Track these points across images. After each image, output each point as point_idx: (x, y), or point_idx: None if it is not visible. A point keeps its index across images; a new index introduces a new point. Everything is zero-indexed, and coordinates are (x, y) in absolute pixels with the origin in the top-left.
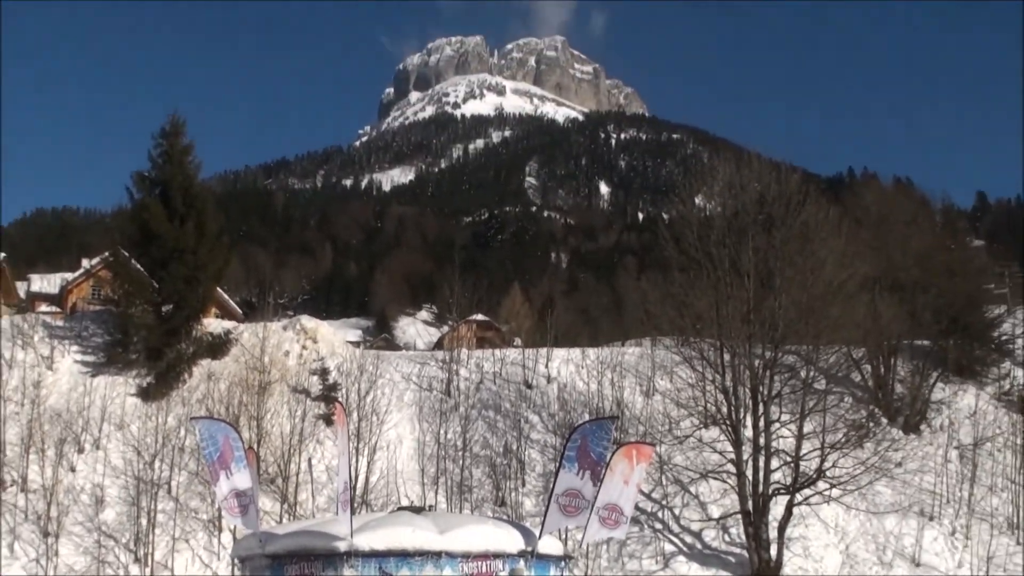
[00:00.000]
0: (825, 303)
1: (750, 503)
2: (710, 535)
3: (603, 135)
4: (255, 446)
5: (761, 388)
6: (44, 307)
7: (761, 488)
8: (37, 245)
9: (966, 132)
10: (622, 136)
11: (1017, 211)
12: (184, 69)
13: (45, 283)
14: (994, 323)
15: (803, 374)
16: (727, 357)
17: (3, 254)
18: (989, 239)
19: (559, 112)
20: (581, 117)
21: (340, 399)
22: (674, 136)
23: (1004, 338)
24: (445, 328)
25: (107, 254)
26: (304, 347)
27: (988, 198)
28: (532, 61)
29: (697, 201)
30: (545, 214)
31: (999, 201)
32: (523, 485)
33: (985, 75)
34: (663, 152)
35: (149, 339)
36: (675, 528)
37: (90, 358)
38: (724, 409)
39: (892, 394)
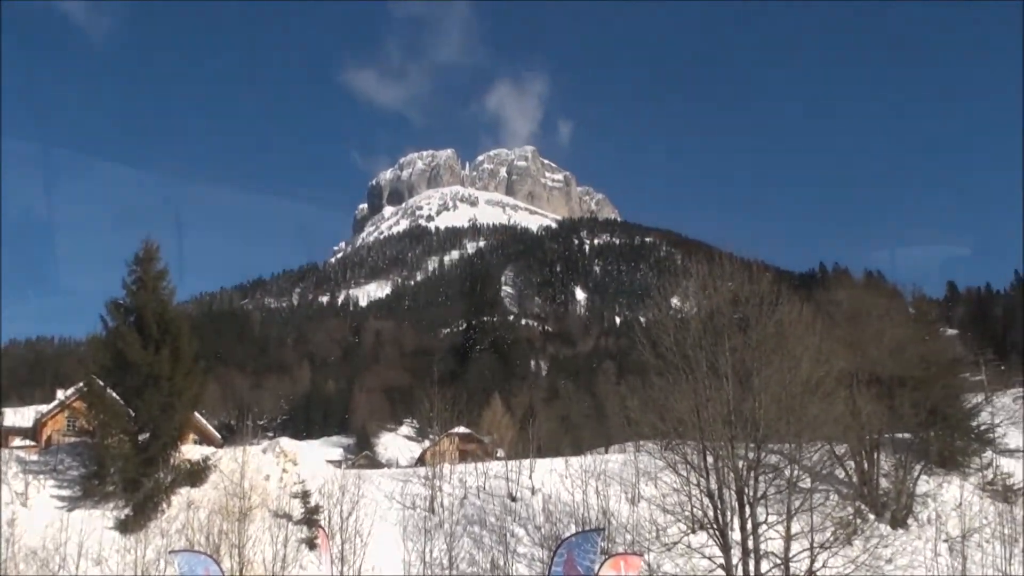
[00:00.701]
0: (804, 401)
1: None
2: None
3: (576, 241)
4: None
5: (746, 490)
6: (18, 441)
7: None
8: (10, 377)
9: (933, 223)
10: (595, 241)
11: (987, 299)
12: (159, 191)
13: (18, 416)
14: (973, 412)
15: (787, 473)
16: (710, 460)
17: None
18: (962, 328)
19: (532, 220)
20: (554, 224)
21: (323, 522)
22: (647, 239)
23: (984, 427)
24: (427, 442)
25: (81, 384)
26: (284, 470)
27: (958, 287)
28: (503, 172)
29: (673, 302)
30: (523, 322)
31: (969, 290)
32: None
33: (951, 165)
34: (636, 256)
35: (126, 470)
36: None
37: (66, 492)
38: (711, 513)
39: (877, 489)
